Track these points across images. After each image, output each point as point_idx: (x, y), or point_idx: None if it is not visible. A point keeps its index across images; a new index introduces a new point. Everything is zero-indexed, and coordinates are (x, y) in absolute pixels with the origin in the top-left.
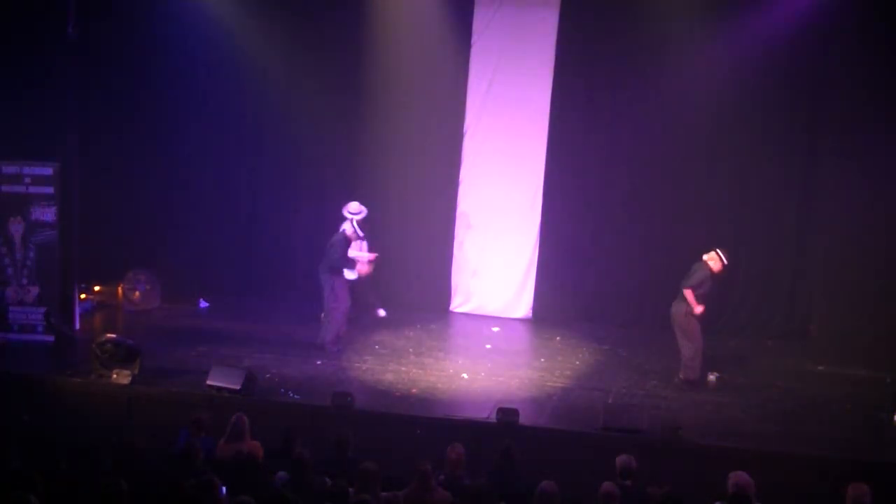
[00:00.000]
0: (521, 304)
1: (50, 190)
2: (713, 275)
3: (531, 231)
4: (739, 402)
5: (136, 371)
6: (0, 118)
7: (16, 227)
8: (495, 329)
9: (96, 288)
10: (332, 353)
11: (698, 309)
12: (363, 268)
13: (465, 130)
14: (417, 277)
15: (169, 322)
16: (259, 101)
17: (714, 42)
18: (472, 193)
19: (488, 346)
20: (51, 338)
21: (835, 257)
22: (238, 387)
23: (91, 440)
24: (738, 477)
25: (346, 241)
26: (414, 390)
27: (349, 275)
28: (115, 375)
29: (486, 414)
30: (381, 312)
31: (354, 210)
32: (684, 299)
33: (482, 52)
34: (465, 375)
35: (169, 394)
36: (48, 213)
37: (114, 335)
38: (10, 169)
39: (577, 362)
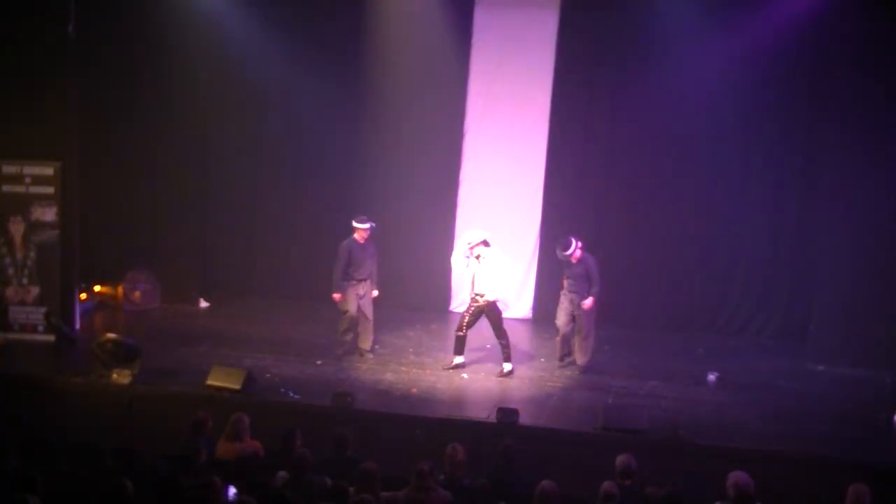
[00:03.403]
0: (521, 304)
1: (50, 190)
2: None
3: (531, 231)
4: (739, 402)
5: (137, 371)
6: (0, 118)
7: (16, 227)
8: None
9: (96, 288)
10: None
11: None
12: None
13: (465, 130)
14: (417, 277)
15: (169, 322)
16: (259, 101)
17: (715, 41)
18: (472, 193)
19: (488, 346)
20: (51, 338)
21: (835, 256)
22: (238, 387)
23: (91, 440)
24: (738, 477)
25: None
26: (414, 390)
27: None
28: (115, 375)
29: (486, 414)
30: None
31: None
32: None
33: (482, 52)
34: (465, 375)
35: (169, 394)
36: (48, 213)
37: (114, 335)
38: (11, 169)
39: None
